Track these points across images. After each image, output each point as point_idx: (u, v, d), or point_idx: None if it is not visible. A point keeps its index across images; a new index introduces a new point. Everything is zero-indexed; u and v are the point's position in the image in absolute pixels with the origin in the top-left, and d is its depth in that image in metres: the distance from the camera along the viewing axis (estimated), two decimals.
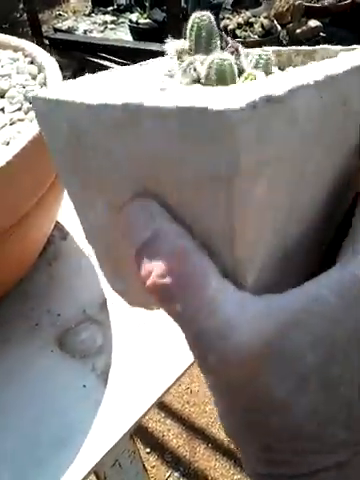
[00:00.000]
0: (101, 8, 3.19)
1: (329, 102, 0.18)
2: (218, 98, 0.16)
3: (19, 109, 0.45)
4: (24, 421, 0.43)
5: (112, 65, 2.57)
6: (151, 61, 0.27)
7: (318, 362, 0.17)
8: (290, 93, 0.16)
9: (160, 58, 0.27)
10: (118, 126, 0.18)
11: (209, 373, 0.19)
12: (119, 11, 3.12)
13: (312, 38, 2.59)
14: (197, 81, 0.22)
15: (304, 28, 2.58)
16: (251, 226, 0.18)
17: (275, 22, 2.57)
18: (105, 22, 3.06)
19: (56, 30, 2.98)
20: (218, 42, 0.24)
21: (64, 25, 3.05)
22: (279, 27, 2.57)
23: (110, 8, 3.17)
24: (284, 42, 2.60)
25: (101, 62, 2.62)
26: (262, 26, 2.50)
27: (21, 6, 3.69)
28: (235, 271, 0.19)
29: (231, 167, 0.16)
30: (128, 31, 2.80)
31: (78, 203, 0.24)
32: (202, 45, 0.24)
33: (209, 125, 0.16)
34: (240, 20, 2.55)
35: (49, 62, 0.50)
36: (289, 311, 0.17)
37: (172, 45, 0.25)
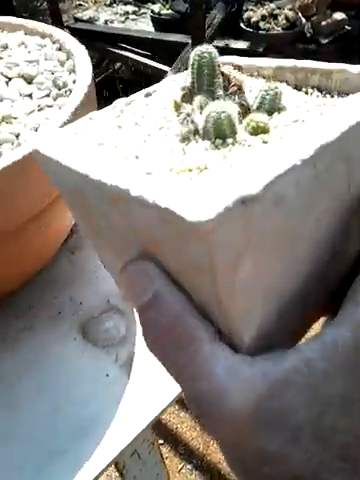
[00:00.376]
0: None
1: (325, 167, 0.19)
2: (194, 200, 0.16)
3: (47, 95, 0.45)
4: (45, 409, 0.43)
5: (133, 56, 2.56)
6: (157, 89, 0.27)
7: (310, 417, 0.19)
8: (267, 187, 0.17)
9: (166, 85, 0.27)
10: (115, 201, 0.19)
11: (205, 430, 0.20)
12: (141, 1, 3.10)
13: (337, 31, 2.55)
14: (195, 132, 0.22)
15: (329, 21, 2.53)
16: (240, 300, 0.19)
17: (300, 14, 2.53)
18: (126, 12, 3.04)
19: (77, 20, 2.97)
20: (220, 80, 0.24)
21: (85, 15, 3.04)
22: (304, 19, 2.52)
23: None
24: (308, 35, 2.56)
25: (122, 53, 2.61)
26: (286, 18, 2.47)
27: None
28: (231, 333, 0.20)
29: (208, 264, 0.17)
30: (150, 22, 2.78)
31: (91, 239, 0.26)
32: (204, 83, 0.23)
33: (185, 227, 0.16)
34: (264, 12, 2.51)
35: (78, 49, 0.49)
36: (280, 375, 0.19)
37: (175, 82, 0.25)
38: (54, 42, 0.53)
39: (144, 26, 2.83)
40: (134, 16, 3.01)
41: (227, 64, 0.27)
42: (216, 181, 0.18)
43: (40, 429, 0.41)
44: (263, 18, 2.50)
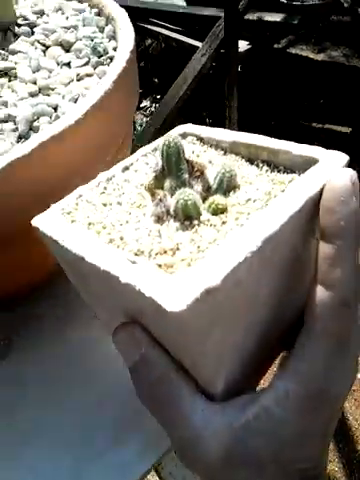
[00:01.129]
0: None
1: (271, 249, 0.24)
2: (171, 292, 0.21)
3: (87, 63, 0.41)
4: (85, 407, 0.40)
5: (164, 31, 2.49)
6: (133, 163, 0.33)
7: (271, 453, 0.24)
8: (226, 278, 0.21)
9: (140, 161, 0.33)
10: (107, 280, 0.24)
11: (186, 467, 0.26)
12: None
13: None
14: (167, 213, 0.27)
15: None
16: (210, 360, 0.24)
17: None
18: None
19: None
20: (185, 166, 0.29)
21: None
22: None
23: None
24: (346, 5, 2.45)
25: (153, 28, 2.54)
26: None
27: None
28: (205, 385, 0.25)
29: (183, 336, 0.23)
30: None
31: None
32: (173, 167, 0.28)
33: (164, 312, 0.21)
34: None
35: (119, 13, 0.45)
36: (243, 422, 0.23)
37: (148, 165, 0.32)
38: (92, 6, 0.49)
39: (175, 0, 2.75)
40: None
41: (190, 135, 0.34)
42: (187, 272, 0.23)
43: (80, 427, 0.39)
44: None
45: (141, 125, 2.90)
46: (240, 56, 2.20)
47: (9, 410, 0.40)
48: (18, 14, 0.48)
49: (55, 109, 0.36)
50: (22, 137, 0.34)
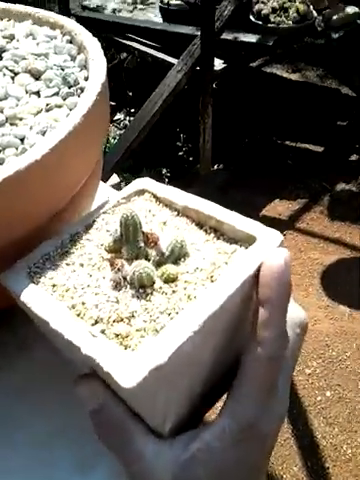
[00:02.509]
0: None
1: (213, 325, 0.28)
2: (125, 368, 0.26)
3: (56, 94, 0.41)
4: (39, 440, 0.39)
5: (140, 47, 2.50)
6: (96, 219, 0.37)
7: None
8: (171, 356, 0.26)
9: (97, 228, 0.36)
10: (68, 344, 0.28)
11: None
12: None
13: (348, 25, 2.49)
14: (124, 279, 0.31)
15: (341, 14, 2.47)
16: (159, 412, 0.29)
17: (311, 8, 2.47)
18: (135, 1, 2.98)
19: (84, 8, 2.91)
20: (141, 237, 0.32)
21: (92, 3, 2.98)
22: (315, 13, 2.47)
23: None
24: (319, 29, 2.50)
25: (129, 43, 2.56)
26: (297, 11, 2.41)
27: None
28: (155, 428, 0.29)
29: (135, 400, 0.28)
30: (158, 12, 2.73)
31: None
32: (130, 237, 0.32)
33: (118, 384, 0.26)
34: (275, 4, 2.46)
35: (91, 42, 0.45)
36: (189, 455, 0.28)
37: (109, 233, 0.34)
38: (65, 34, 0.49)
39: (152, 16, 2.78)
40: (142, 6, 2.95)
41: (147, 192, 0.38)
42: (139, 349, 0.27)
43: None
44: (273, 11, 2.45)
45: (114, 138, 2.90)
46: (215, 74, 2.23)
47: None
48: None
49: (22, 140, 0.36)
50: None
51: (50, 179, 0.34)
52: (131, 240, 0.32)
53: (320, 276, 2.11)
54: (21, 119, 0.38)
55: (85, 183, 0.39)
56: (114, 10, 2.89)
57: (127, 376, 0.25)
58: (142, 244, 0.32)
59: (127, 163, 2.44)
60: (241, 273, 0.30)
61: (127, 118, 3.09)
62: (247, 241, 0.33)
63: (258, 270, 0.30)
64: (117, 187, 2.44)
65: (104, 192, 0.53)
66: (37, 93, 0.41)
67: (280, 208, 2.30)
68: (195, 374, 0.31)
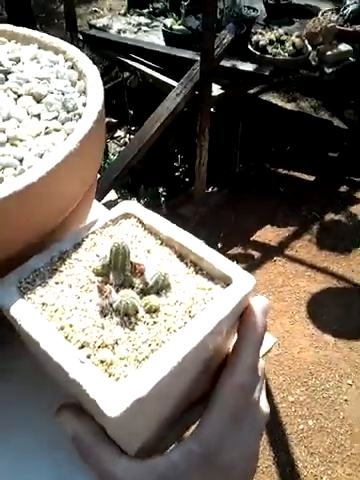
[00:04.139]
0: (137, 9, 3.17)
1: (190, 360, 0.31)
2: (110, 398, 0.28)
3: (56, 118, 0.43)
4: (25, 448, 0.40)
5: (142, 67, 2.55)
6: (85, 239, 0.39)
7: None
8: (152, 389, 0.28)
9: (92, 237, 0.39)
10: (56, 366, 0.30)
11: None
12: (154, 14, 3.11)
13: (341, 62, 2.57)
14: (110, 305, 0.33)
15: (334, 51, 2.55)
16: (132, 436, 0.32)
17: (306, 42, 2.54)
18: (139, 24, 3.05)
19: (91, 26, 2.97)
20: (129, 267, 0.35)
21: (99, 22, 3.04)
22: (310, 47, 2.55)
23: (146, 10, 3.16)
24: (313, 63, 2.58)
25: (131, 63, 2.60)
26: (293, 45, 2.48)
27: None
28: (125, 448, 0.32)
29: (113, 427, 0.31)
30: (161, 35, 2.79)
31: None
32: (119, 265, 0.34)
33: (102, 413, 0.28)
34: (272, 36, 2.53)
35: (91, 70, 0.47)
36: (156, 472, 0.30)
37: (98, 257, 0.36)
38: (67, 60, 0.51)
39: (155, 39, 2.84)
40: (146, 28, 3.02)
41: (133, 216, 0.41)
42: (123, 380, 0.29)
43: None
44: (271, 42, 2.51)
45: (114, 154, 2.93)
46: (213, 99, 2.27)
47: None
48: None
49: (21, 161, 0.38)
50: None
51: (45, 200, 0.36)
52: (119, 267, 0.34)
53: (306, 304, 2.13)
54: (21, 140, 0.40)
55: (78, 205, 0.41)
56: (119, 30, 2.94)
57: (112, 405, 0.27)
58: (129, 273, 0.35)
59: (125, 180, 2.47)
60: (218, 312, 0.32)
61: (127, 136, 3.13)
62: (223, 280, 0.35)
63: (233, 310, 0.33)
64: (114, 203, 2.47)
65: (95, 209, 0.55)
66: (38, 116, 0.43)
67: (270, 234, 2.33)
68: (169, 403, 0.34)
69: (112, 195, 2.48)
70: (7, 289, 0.34)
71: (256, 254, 2.22)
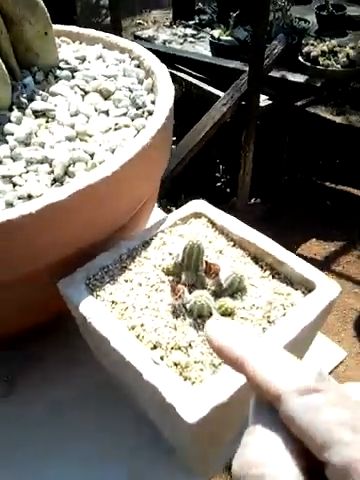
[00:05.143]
0: (182, 21, 3.19)
1: None
2: (188, 402, 0.26)
3: (124, 114, 0.42)
4: (87, 460, 0.38)
5: (188, 77, 2.56)
6: (154, 237, 0.37)
7: None
8: (234, 393, 0.26)
9: (161, 235, 0.38)
10: (125, 365, 0.29)
11: None
12: (200, 25, 3.12)
13: None
14: (184, 307, 0.31)
15: None
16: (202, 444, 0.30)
17: None
18: (185, 35, 3.06)
19: (136, 37, 3.00)
20: (204, 266, 0.32)
21: (144, 33, 3.07)
22: None
23: (191, 22, 3.17)
24: None
25: (178, 74, 2.61)
26: (347, 56, 2.43)
27: (104, 11, 3.76)
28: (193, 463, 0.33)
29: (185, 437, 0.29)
30: (207, 46, 2.79)
31: None
32: (192, 265, 0.32)
33: (178, 418, 0.26)
34: (324, 48, 2.48)
35: (159, 68, 0.46)
36: None
37: (171, 255, 0.34)
38: (133, 58, 0.50)
39: (201, 49, 2.84)
40: (192, 39, 3.02)
41: (203, 216, 0.39)
42: (202, 385, 0.27)
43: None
44: (323, 54, 2.47)
45: None
46: (260, 110, 2.25)
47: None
48: (60, 58, 0.49)
49: (91, 156, 0.36)
50: (57, 180, 0.34)
51: (116, 196, 0.34)
52: (192, 267, 0.32)
53: (353, 322, 2.05)
54: (90, 136, 0.39)
55: (145, 202, 0.40)
56: (165, 41, 2.97)
57: (190, 411, 0.26)
58: (202, 273, 0.33)
59: (166, 189, 2.47)
60: (301, 319, 0.30)
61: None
62: (304, 285, 0.33)
63: (317, 318, 0.31)
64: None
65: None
66: (106, 112, 0.42)
67: (316, 248, 2.28)
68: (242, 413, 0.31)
69: None
70: (76, 284, 0.33)
71: None
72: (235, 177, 2.50)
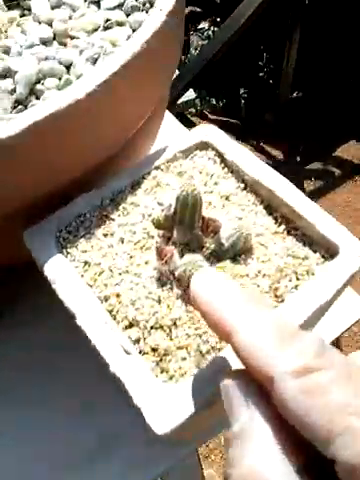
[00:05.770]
0: None
1: None
2: (160, 410, 0.21)
3: (120, 6, 0.32)
4: (69, 408, 0.35)
5: None
6: (146, 176, 0.30)
7: None
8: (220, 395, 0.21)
9: (155, 173, 0.30)
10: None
11: None
12: None
13: None
14: (171, 273, 0.24)
15: None
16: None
17: None
18: None
19: None
20: (199, 223, 0.25)
21: None
22: None
23: None
24: None
25: None
26: None
27: None
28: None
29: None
30: None
31: None
32: (186, 218, 0.25)
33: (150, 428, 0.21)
34: None
35: None
36: None
37: (161, 206, 0.27)
38: None
39: None
40: None
41: (212, 148, 0.30)
42: (180, 379, 0.22)
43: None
44: None
45: (196, 48, 2.71)
46: None
47: None
48: None
49: (67, 68, 0.28)
50: (20, 102, 0.27)
51: (94, 123, 0.26)
52: (186, 222, 0.25)
53: None
54: (72, 38, 0.30)
55: (143, 125, 0.32)
56: None
57: (160, 422, 0.20)
58: (198, 230, 0.26)
59: (205, 78, 2.29)
60: (315, 297, 0.23)
61: (212, 28, 2.86)
62: (325, 248, 0.26)
63: (335, 296, 0.24)
64: (192, 103, 2.32)
65: (169, 129, 0.46)
66: (97, 3, 0.33)
67: (354, 150, 2.11)
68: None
69: (190, 94, 2.31)
70: (43, 239, 0.27)
71: (336, 171, 2.04)
72: (279, 67, 2.29)
